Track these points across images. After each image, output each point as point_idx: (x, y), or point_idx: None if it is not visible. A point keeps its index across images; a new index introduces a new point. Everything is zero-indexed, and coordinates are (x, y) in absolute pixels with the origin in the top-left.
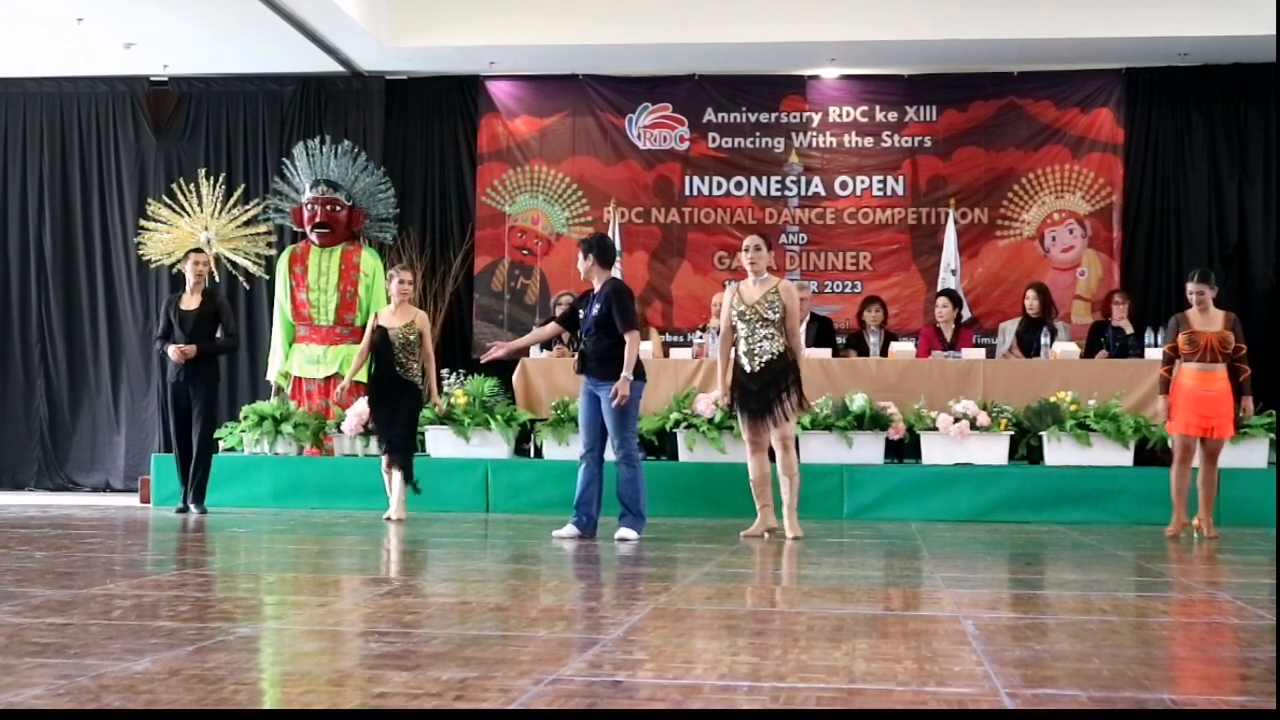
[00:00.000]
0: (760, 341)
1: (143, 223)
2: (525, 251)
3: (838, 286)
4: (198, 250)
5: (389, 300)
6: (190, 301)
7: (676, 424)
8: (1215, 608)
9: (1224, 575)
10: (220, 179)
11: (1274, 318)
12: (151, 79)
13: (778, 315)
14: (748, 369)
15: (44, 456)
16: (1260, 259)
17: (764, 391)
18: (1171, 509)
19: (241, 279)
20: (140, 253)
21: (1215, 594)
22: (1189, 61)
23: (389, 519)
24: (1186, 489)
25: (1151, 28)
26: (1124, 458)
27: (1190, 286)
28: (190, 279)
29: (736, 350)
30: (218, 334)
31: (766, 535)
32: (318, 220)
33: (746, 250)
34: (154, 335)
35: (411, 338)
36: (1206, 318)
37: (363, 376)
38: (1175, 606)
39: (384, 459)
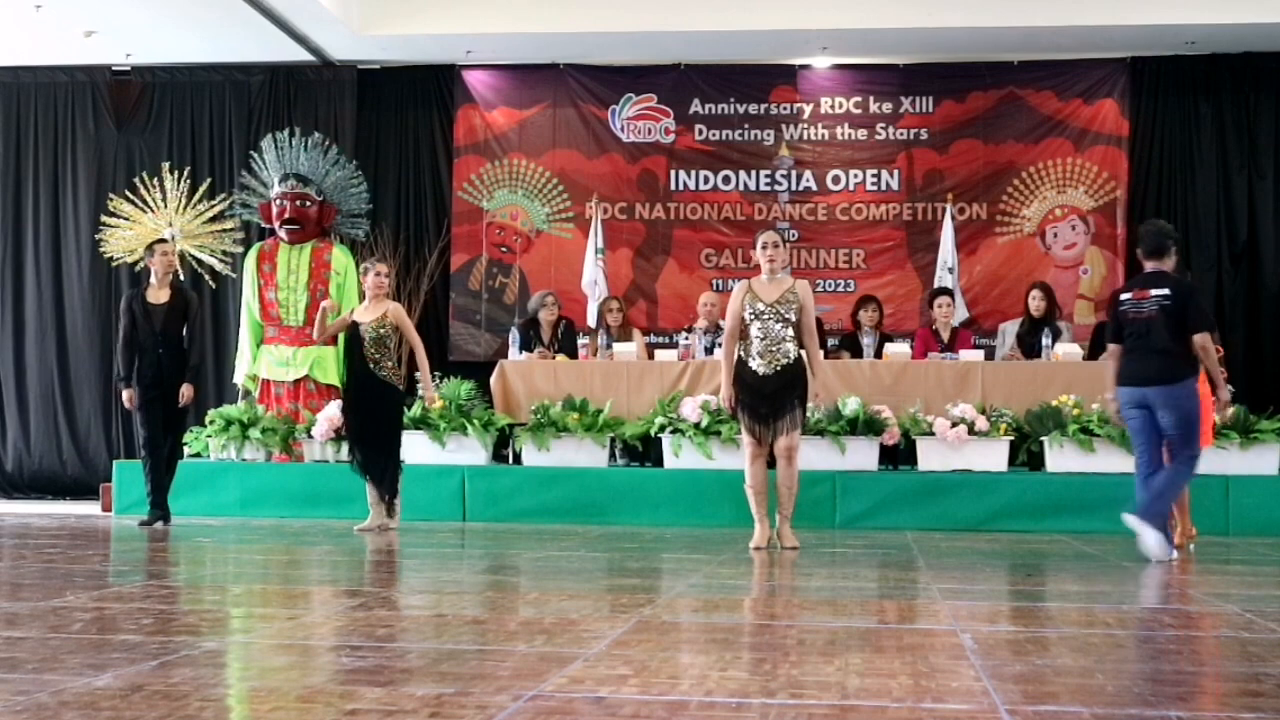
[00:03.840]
0: (780, 343)
1: (104, 219)
2: (504, 249)
3: (830, 285)
4: (162, 240)
5: (362, 298)
6: (158, 295)
7: (662, 429)
8: (1223, 620)
9: (1232, 586)
10: (185, 173)
11: None
12: (113, 68)
13: (795, 316)
14: (762, 371)
15: None
16: (1271, 256)
17: (779, 395)
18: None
19: (207, 277)
20: (102, 249)
21: (1223, 606)
22: (1196, 50)
23: (361, 530)
24: (1187, 497)
25: (1157, 15)
26: (1129, 464)
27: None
28: (158, 271)
29: (745, 351)
30: (184, 333)
31: (765, 546)
32: (287, 216)
33: (765, 247)
34: (118, 335)
35: (383, 331)
36: None
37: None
38: (1182, 619)
39: (362, 472)
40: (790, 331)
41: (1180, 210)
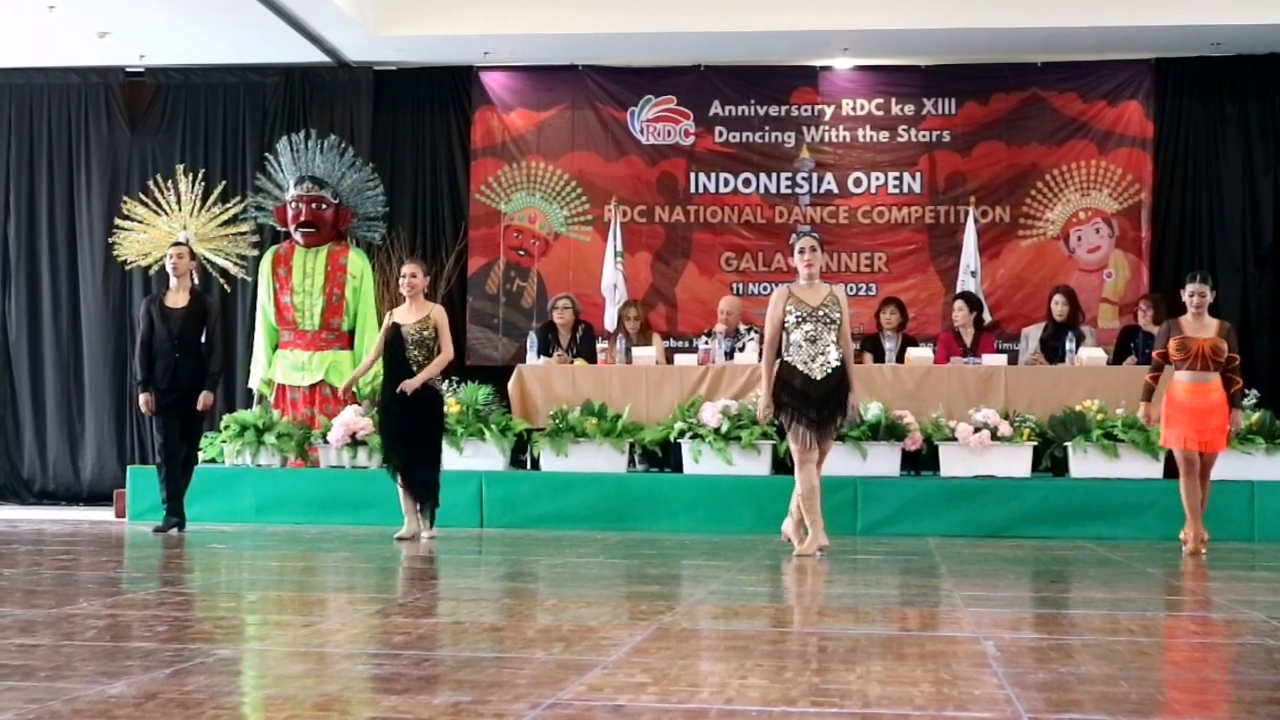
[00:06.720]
0: (827, 347)
1: (118, 222)
2: (522, 252)
3: (851, 289)
4: (177, 243)
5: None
6: (176, 299)
7: (681, 434)
8: (1248, 627)
9: (1257, 593)
10: (199, 175)
11: None
12: (127, 69)
13: (838, 319)
14: (812, 376)
15: (10, 469)
16: None
17: (827, 400)
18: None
19: (222, 281)
20: (115, 253)
21: (1249, 613)
22: (1222, 51)
23: (400, 539)
24: (1200, 503)
25: (1182, 16)
26: (1153, 470)
27: (1191, 288)
28: (173, 274)
29: (791, 356)
30: (201, 339)
31: (818, 553)
32: (302, 219)
33: (803, 251)
34: (137, 339)
35: (425, 334)
36: (1200, 324)
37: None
38: (1207, 626)
39: (398, 479)
40: (834, 335)
41: (1205, 213)
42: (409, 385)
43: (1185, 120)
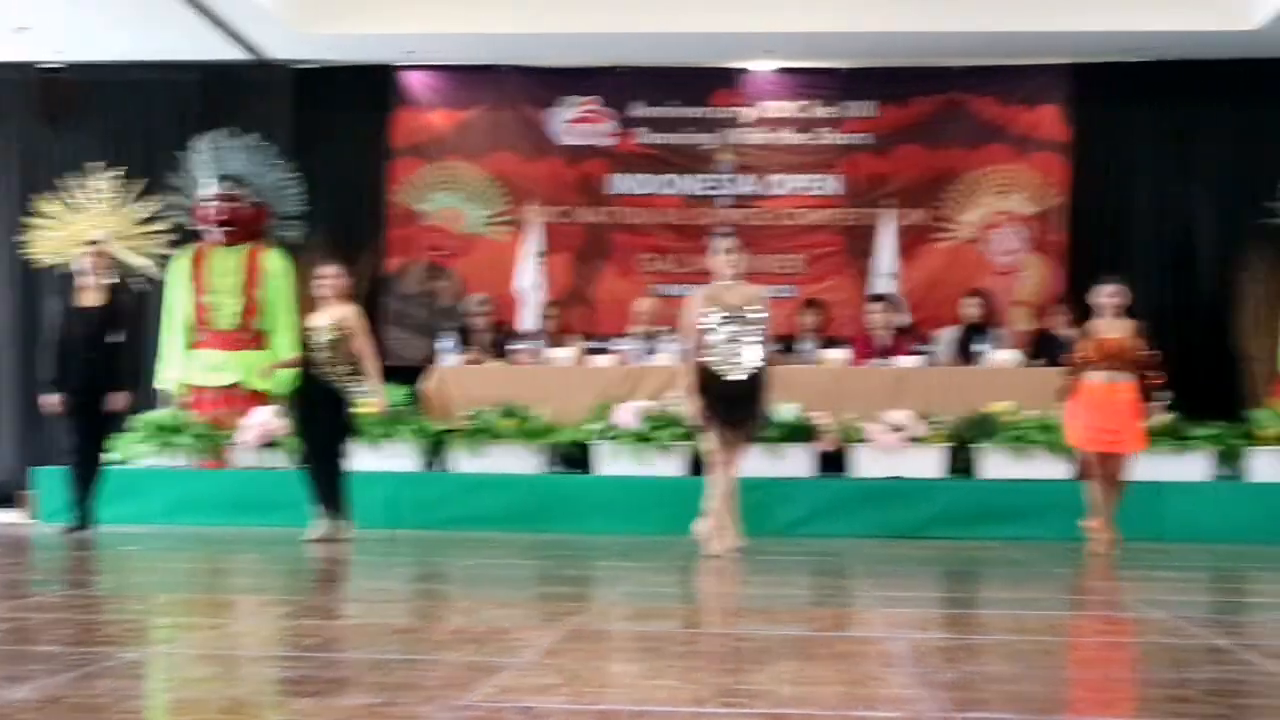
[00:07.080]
0: (746, 348)
1: (32, 220)
2: (441, 252)
3: (770, 291)
4: (92, 242)
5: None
6: (91, 298)
7: (598, 435)
8: (1153, 626)
9: (1162, 593)
10: (117, 173)
11: (1218, 325)
12: (43, 65)
13: (758, 320)
14: (730, 377)
15: None
16: (1207, 264)
17: (744, 400)
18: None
19: (139, 280)
20: (29, 251)
21: (1153, 612)
22: (1139, 57)
23: (310, 540)
24: (1106, 502)
25: (1100, 21)
26: (1063, 471)
27: (1104, 290)
28: (88, 273)
29: (710, 358)
30: (115, 339)
31: (732, 554)
32: (220, 218)
33: (723, 252)
34: (49, 339)
35: (337, 336)
36: (1113, 326)
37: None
38: (1112, 626)
39: (305, 478)
40: (753, 336)
41: (1119, 217)
42: (380, 410)
43: (1102, 125)
